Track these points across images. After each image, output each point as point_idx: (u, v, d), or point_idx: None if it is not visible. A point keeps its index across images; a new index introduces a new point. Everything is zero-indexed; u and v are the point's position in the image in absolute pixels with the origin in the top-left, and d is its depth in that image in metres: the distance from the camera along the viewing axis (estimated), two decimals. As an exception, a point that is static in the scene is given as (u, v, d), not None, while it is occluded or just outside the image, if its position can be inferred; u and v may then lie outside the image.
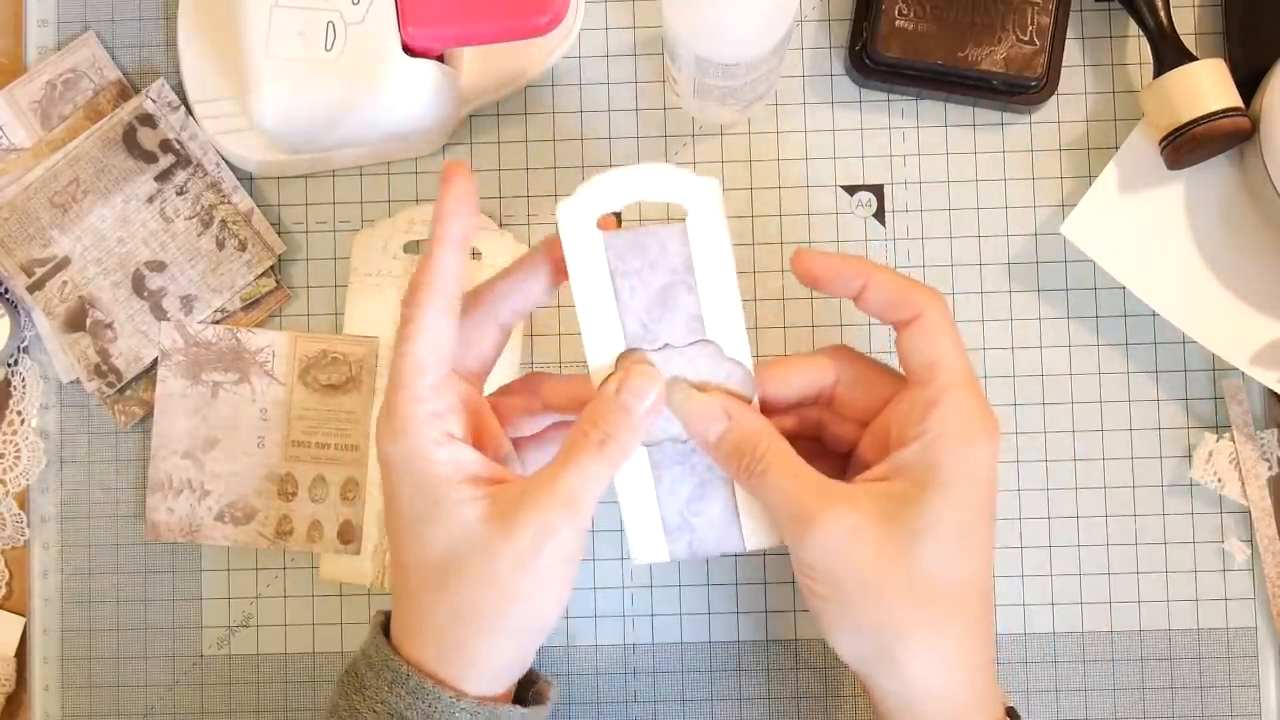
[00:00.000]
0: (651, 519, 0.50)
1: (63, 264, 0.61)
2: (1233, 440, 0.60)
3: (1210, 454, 0.60)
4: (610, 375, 0.48)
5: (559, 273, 0.49)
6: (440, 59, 0.58)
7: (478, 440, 0.49)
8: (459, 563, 0.46)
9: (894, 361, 0.50)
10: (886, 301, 0.48)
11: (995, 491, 0.48)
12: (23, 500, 0.62)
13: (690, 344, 0.48)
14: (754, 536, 0.50)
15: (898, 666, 0.46)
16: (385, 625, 0.49)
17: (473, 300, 0.50)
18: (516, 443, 0.52)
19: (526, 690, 0.51)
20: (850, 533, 0.45)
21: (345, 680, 0.48)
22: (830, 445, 0.52)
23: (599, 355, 0.49)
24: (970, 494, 0.46)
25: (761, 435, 0.47)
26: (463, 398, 0.48)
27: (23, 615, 0.62)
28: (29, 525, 0.62)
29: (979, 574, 0.47)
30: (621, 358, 0.49)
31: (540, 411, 0.52)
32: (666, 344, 0.48)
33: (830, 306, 0.62)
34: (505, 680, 0.48)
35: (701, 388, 0.48)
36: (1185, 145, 0.56)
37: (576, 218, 0.48)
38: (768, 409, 0.50)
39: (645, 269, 0.48)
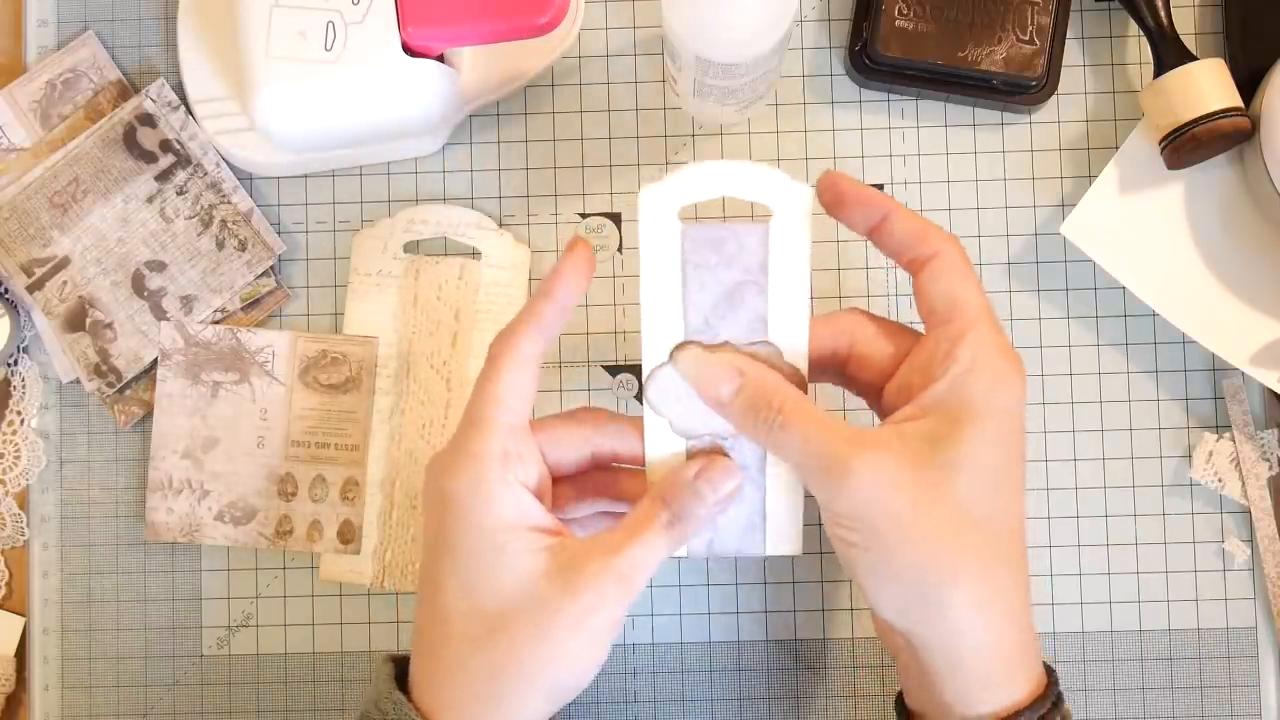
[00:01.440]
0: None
1: (63, 264, 0.61)
2: (1233, 440, 0.60)
3: (1210, 454, 0.60)
4: (689, 461, 0.48)
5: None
6: (440, 59, 0.58)
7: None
8: (510, 615, 0.45)
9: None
10: (906, 236, 0.47)
11: (1025, 431, 0.47)
12: (23, 500, 0.62)
13: (750, 344, 0.48)
14: (776, 542, 0.49)
15: (945, 611, 0.44)
16: (395, 673, 0.48)
17: (584, 416, 0.50)
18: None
19: None
20: (885, 476, 0.44)
21: None
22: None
23: (656, 344, 0.48)
24: (1004, 429, 0.45)
25: (777, 388, 0.46)
26: (536, 454, 0.48)
27: (23, 615, 0.62)
28: (29, 525, 0.62)
29: (1016, 511, 0.46)
30: (695, 453, 0.49)
31: (590, 497, 0.51)
32: (726, 340, 0.48)
33: (830, 307, 0.62)
34: None
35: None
36: (1185, 145, 0.56)
37: (659, 204, 0.47)
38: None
39: (719, 265, 0.48)
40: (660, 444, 0.49)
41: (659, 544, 0.46)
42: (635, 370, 0.61)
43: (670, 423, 0.49)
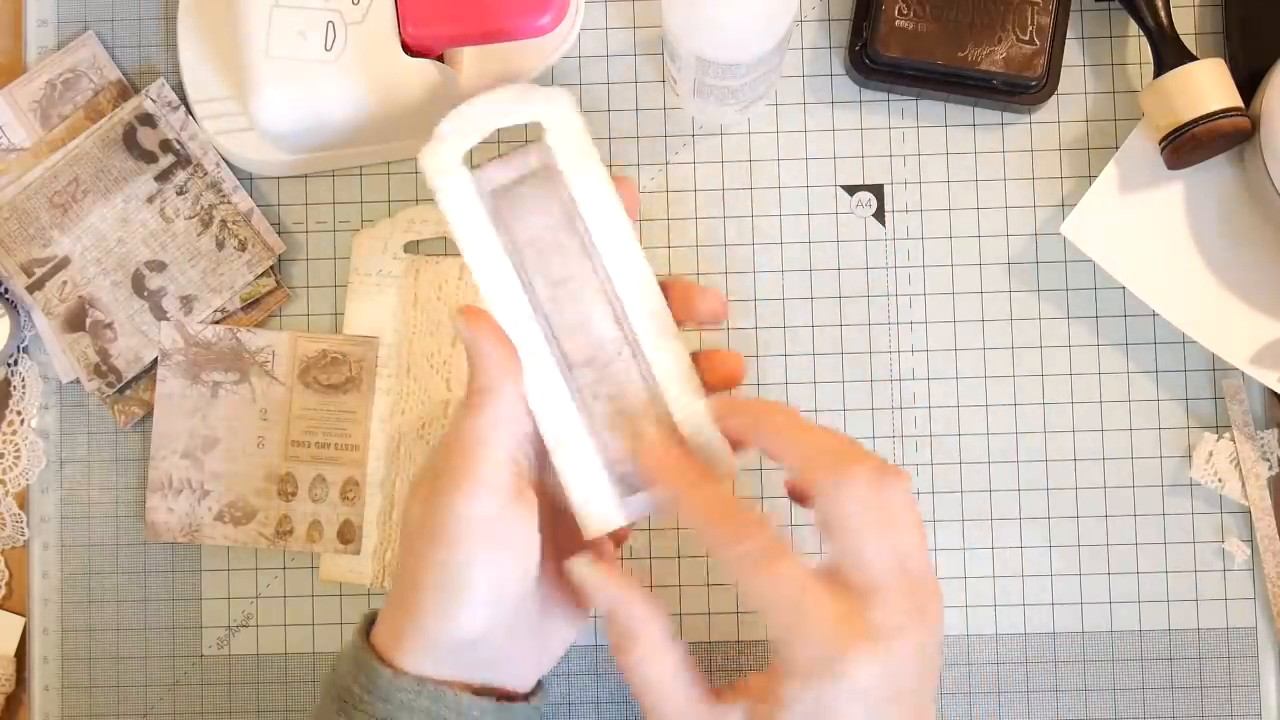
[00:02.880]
0: (596, 478, 0.48)
1: (63, 264, 0.61)
2: (1233, 440, 0.60)
3: (1210, 454, 0.60)
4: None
5: None
6: (440, 59, 0.58)
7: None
8: (426, 531, 0.46)
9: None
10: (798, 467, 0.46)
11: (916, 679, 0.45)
12: (23, 500, 0.62)
13: (587, 272, 0.47)
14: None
15: None
16: (373, 617, 0.50)
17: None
18: None
19: None
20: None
21: (327, 674, 0.50)
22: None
23: (500, 304, 0.47)
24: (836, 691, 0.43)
25: (637, 628, 0.46)
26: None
27: (23, 615, 0.62)
28: (29, 525, 0.62)
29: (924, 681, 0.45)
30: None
31: None
32: (564, 275, 0.47)
33: (830, 307, 0.62)
34: (459, 664, 0.47)
35: (606, 306, 0.47)
36: (1185, 145, 0.56)
37: (440, 163, 0.48)
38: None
39: (522, 198, 0.47)
40: (542, 392, 0.48)
41: (469, 424, 0.46)
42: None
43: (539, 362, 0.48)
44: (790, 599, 0.43)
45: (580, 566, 0.47)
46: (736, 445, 0.48)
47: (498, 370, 0.47)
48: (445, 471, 0.46)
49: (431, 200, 0.62)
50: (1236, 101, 0.56)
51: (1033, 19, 0.59)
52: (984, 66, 0.59)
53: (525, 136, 0.49)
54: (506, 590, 0.47)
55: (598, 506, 0.48)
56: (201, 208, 0.62)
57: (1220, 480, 0.60)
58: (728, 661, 0.61)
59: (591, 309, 0.47)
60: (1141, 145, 0.59)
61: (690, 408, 0.47)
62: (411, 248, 0.62)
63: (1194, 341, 0.59)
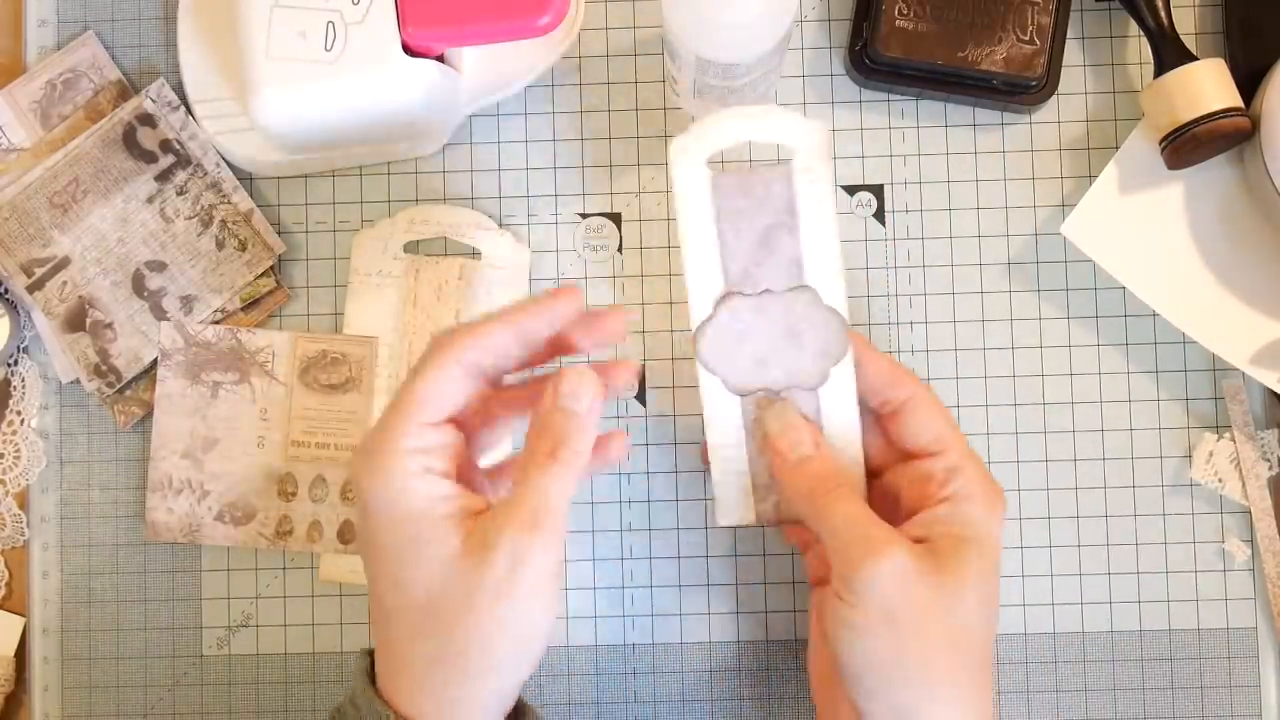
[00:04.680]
0: (739, 479, 0.51)
1: (63, 264, 0.61)
2: (1233, 440, 0.60)
3: (1210, 454, 0.60)
4: (547, 385, 0.48)
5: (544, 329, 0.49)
6: (440, 59, 0.58)
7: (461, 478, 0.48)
8: (439, 603, 0.45)
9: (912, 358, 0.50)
10: (882, 380, 0.50)
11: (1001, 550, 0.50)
12: (23, 500, 0.62)
13: (789, 289, 0.50)
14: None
15: (921, 715, 0.46)
16: (369, 668, 0.48)
17: (506, 313, 0.48)
18: (492, 472, 0.52)
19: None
20: (911, 571, 0.47)
21: None
22: None
23: (701, 297, 0.50)
24: (993, 555, 0.48)
25: (843, 470, 0.50)
26: (452, 442, 0.47)
27: (22, 615, 0.62)
28: (29, 525, 0.62)
29: (993, 630, 0.49)
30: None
31: (497, 418, 0.51)
32: (766, 289, 0.50)
33: (830, 306, 0.62)
34: (494, 717, 0.47)
35: (796, 334, 0.50)
36: (1185, 145, 0.56)
37: (687, 155, 0.49)
38: None
39: (750, 209, 0.49)
40: (717, 404, 0.51)
41: (550, 478, 0.46)
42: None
43: (724, 381, 0.50)
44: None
45: (782, 415, 0.50)
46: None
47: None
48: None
49: (431, 200, 0.63)
50: (1236, 101, 0.56)
51: (1033, 19, 0.59)
52: (984, 66, 0.59)
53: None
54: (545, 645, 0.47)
55: (735, 504, 0.52)
56: (201, 208, 0.62)
57: (1220, 480, 0.60)
58: (728, 661, 0.61)
59: None
60: (1141, 145, 0.59)
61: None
62: (411, 248, 0.62)
63: (1194, 341, 0.59)
